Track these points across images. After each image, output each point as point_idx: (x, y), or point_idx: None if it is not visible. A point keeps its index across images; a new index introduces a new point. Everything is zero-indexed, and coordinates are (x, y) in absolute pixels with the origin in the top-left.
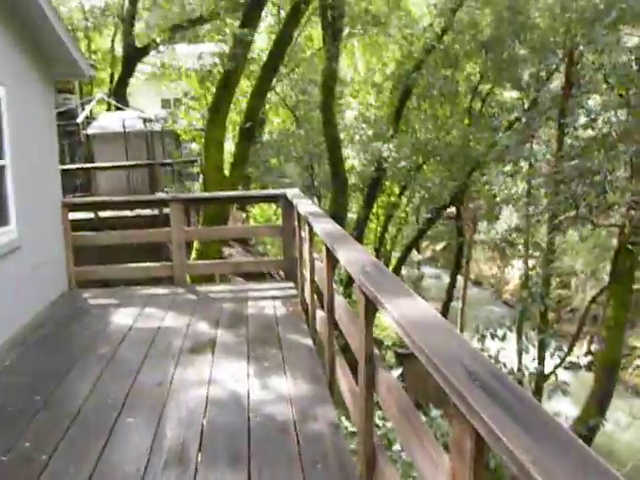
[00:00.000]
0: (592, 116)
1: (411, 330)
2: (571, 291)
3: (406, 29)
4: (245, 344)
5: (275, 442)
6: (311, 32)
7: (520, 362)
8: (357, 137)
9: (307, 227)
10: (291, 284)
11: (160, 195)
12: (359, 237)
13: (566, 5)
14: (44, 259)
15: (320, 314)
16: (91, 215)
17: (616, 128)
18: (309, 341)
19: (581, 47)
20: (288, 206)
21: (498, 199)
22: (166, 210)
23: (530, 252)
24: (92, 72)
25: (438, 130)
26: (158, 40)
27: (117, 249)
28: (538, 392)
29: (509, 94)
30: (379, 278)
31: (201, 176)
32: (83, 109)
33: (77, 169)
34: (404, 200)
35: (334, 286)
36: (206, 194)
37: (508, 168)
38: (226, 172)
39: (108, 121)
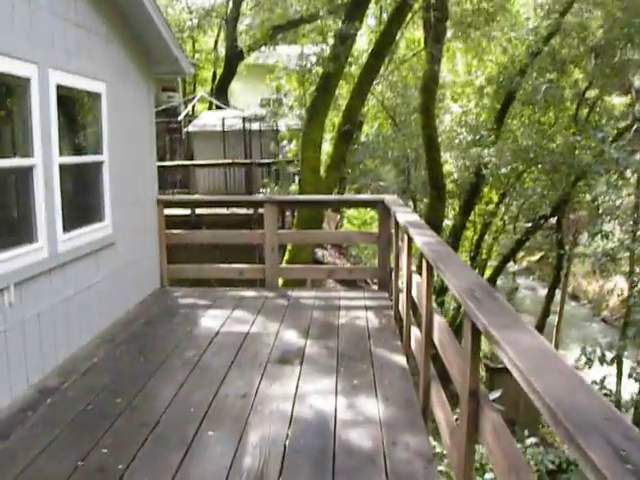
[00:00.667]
0: None
1: (533, 378)
2: None
3: (512, 31)
4: (334, 358)
5: (361, 474)
6: (413, 33)
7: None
8: (457, 141)
9: (406, 237)
10: (385, 294)
11: (256, 196)
12: (454, 245)
13: None
14: (138, 256)
15: (415, 332)
16: (188, 212)
17: None
18: (402, 359)
19: None
20: (386, 213)
21: (601, 211)
22: (261, 210)
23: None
24: (192, 70)
25: (541, 137)
26: (259, 41)
27: (210, 247)
28: None
29: (619, 100)
30: (491, 306)
31: (297, 177)
32: (186, 107)
33: (176, 166)
34: (502, 208)
35: (433, 305)
36: (301, 197)
37: (614, 178)
38: (322, 173)
39: (208, 119)
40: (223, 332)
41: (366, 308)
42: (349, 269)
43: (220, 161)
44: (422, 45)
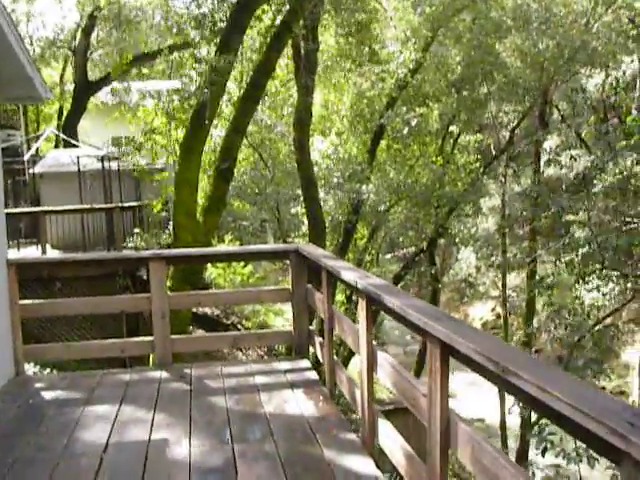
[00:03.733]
0: (550, 156)
1: None
2: None
3: (379, 65)
4: (280, 475)
5: None
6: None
7: None
8: (334, 179)
9: (364, 304)
10: (306, 363)
11: (140, 252)
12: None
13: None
14: None
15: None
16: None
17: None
18: (369, 463)
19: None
20: (300, 265)
21: (457, 240)
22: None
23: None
24: (50, 95)
25: (409, 171)
26: (113, 74)
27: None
28: None
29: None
30: None
31: (170, 222)
32: (29, 147)
33: (22, 213)
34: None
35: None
36: (196, 251)
37: (468, 207)
38: (199, 217)
39: (58, 159)
40: (114, 445)
41: (292, 386)
42: (257, 335)
43: (76, 206)
44: (287, 77)
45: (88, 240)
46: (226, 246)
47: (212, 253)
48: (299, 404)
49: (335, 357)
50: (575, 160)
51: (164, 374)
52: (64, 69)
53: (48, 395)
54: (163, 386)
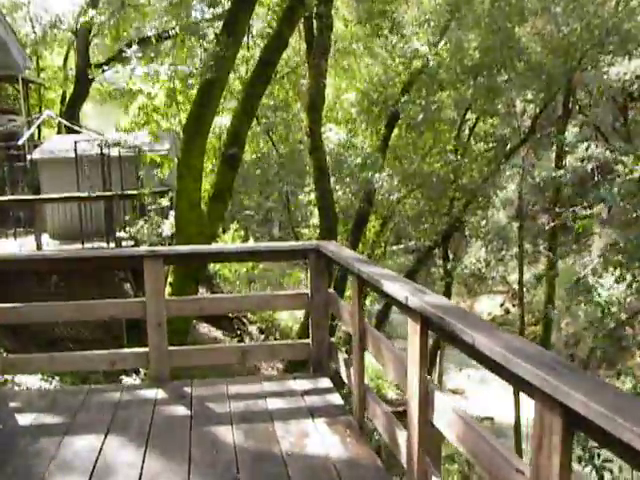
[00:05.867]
0: (567, 148)
1: None
2: None
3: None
4: None
5: None
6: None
7: None
8: (345, 165)
9: (418, 328)
10: (326, 382)
11: (134, 249)
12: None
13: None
14: None
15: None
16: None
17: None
18: None
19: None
20: (322, 266)
21: (467, 232)
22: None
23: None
24: (29, 64)
25: (423, 160)
26: (115, 56)
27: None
28: None
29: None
30: None
31: (172, 212)
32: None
33: (17, 200)
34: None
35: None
36: (200, 248)
37: (480, 199)
38: (204, 207)
39: (58, 145)
40: None
41: (312, 414)
42: (270, 347)
43: (73, 194)
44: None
45: (87, 229)
46: (234, 244)
47: (217, 251)
48: (323, 440)
49: (366, 381)
50: (594, 149)
51: (160, 393)
52: (67, 53)
53: (23, 419)
54: (158, 409)
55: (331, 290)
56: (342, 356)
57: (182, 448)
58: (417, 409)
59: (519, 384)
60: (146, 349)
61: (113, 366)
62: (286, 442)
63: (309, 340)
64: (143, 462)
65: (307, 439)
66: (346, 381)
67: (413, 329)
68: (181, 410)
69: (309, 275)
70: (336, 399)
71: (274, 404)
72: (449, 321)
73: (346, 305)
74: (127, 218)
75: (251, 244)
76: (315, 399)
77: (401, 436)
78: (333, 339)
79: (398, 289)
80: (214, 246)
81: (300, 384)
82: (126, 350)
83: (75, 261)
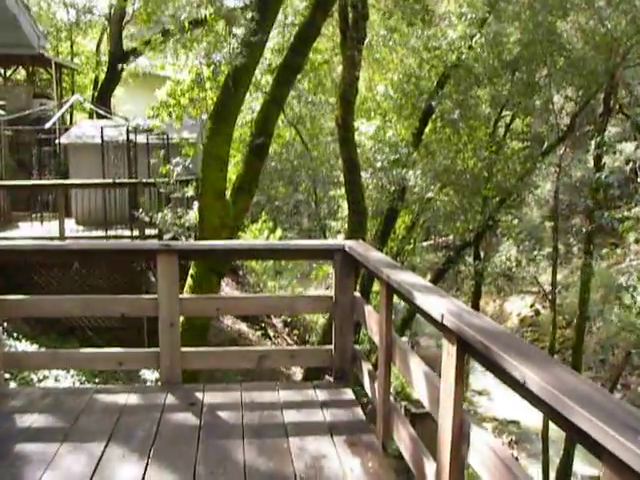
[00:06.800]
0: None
1: None
2: None
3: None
4: None
5: None
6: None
7: None
8: (378, 161)
9: (454, 351)
10: (349, 394)
11: (145, 242)
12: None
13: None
14: None
15: None
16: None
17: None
18: None
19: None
20: (347, 267)
21: (499, 231)
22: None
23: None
24: (44, 43)
25: (457, 156)
26: (148, 43)
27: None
28: None
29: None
30: None
31: (196, 202)
32: (62, 117)
33: (43, 185)
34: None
35: None
36: (218, 243)
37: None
38: (229, 197)
39: (86, 130)
40: None
41: (331, 430)
42: (290, 352)
43: (98, 181)
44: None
45: (111, 217)
46: (256, 240)
47: (237, 248)
48: (342, 462)
49: (392, 399)
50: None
51: (169, 398)
52: (100, 39)
53: (21, 421)
54: (165, 417)
55: (357, 294)
56: (367, 367)
57: (187, 464)
58: (449, 443)
59: (583, 440)
60: (157, 349)
61: (121, 366)
62: (301, 462)
63: (331, 346)
64: (144, 471)
65: (324, 460)
66: (370, 395)
67: (448, 351)
68: (190, 419)
69: (334, 276)
70: (358, 414)
71: (290, 416)
72: (496, 351)
73: (373, 312)
74: (150, 206)
75: (272, 242)
76: (335, 412)
77: (429, 467)
78: (357, 346)
79: (433, 304)
80: (233, 242)
81: (320, 394)
82: (136, 350)
83: (88, 253)
